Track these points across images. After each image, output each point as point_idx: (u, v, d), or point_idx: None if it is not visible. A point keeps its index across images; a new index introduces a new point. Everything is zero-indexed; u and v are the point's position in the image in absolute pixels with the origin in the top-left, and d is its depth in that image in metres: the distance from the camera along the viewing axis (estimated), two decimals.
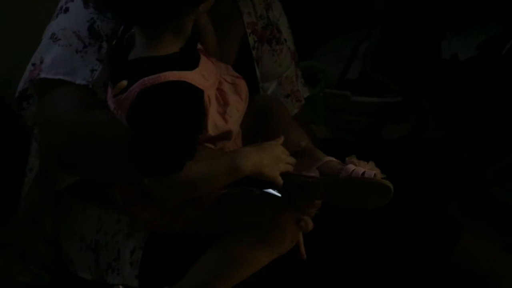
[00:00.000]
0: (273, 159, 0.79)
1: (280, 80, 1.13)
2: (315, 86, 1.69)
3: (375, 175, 0.79)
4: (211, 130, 0.82)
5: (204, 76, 0.82)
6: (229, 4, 1.06)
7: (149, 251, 0.94)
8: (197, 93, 0.80)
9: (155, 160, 0.77)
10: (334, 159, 0.84)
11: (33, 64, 0.95)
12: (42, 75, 0.92)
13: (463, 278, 1.12)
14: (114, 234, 0.98)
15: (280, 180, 0.80)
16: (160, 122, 0.77)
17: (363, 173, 0.79)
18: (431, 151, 1.60)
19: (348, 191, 0.81)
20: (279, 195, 0.86)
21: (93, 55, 0.92)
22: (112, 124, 0.84)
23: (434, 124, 1.69)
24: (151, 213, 0.88)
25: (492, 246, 1.15)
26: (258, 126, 0.93)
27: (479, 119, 1.59)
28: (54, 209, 1.07)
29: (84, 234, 1.02)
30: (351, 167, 0.80)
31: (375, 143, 1.67)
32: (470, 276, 1.11)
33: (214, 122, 0.82)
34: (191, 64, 0.82)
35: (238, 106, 0.86)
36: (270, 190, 0.87)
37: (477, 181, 1.50)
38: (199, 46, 0.86)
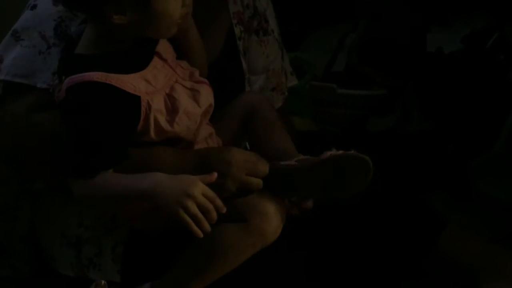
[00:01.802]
0: (180, 194, 0.75)
1: (268, 74, 1.12)
2: (301, 79, 1.69)
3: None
4: (155, 135, 0.81)
5: (148, 80, 0.81)
6: None
7: (131, 246, 0.93)
8: (125, 97, 0.78)
9: (70, 159, 0.78)
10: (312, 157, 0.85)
11: None
12: (1, 77, 0.90)
13: (447, 270, 1.13)
14: (95, 229, 0.97)
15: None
16: (76, 122, 0.77)
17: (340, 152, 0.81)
18: (416, 144, 1.60)
19: (327, 173, 0.82)
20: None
21: (56, 56, 0.89)
22: (55, 124, 0.82)
23: (419, 117, 1.70)
24: (129, 212, 0.87)
25: (475, 238, 1.16)
26: (243, 127, 0.93)
27: (463, 112, 1.59)
28: (29, 206, 1.06)
29: (65, 230, 1.01)
30: (328, 152, 0.82)
31: (361, 136, 1.67)
32: (453, 267, 1.12)
33: (159, 127, 0.81)
34: (134, 66, 0.80)
35: (191, 112, 0.83)
36: None
37: (461, 174, 1.50)
38: (158, 48, 0.84)
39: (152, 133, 0.81)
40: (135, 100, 0.79)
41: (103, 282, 0.85)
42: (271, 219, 0.82)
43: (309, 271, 0.97)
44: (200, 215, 0.75)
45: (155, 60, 0.83)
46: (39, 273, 1.08)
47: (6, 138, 0.88)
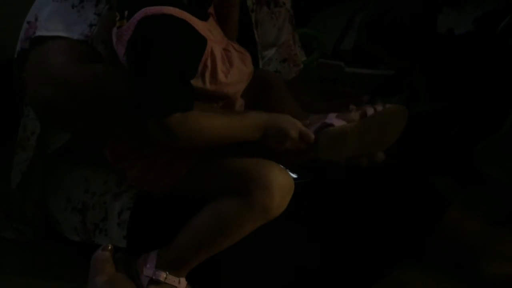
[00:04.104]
0: (281, 135, 0.81)
1: (278, 47, 1.11)
2: (309, 55, 1.68)
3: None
4: (209, 83, 0.81)
5: (211, 31, 0.82)
6: None
7: (137, 212, 0.94)
8: (197, 37, 0.79)
9: (151, 97, 0.76)
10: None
11: (28, 22, 0.92)
12: (38, 33, 0.89)
13: (449, 250, 1.13)
14: (101, 194, 0.97)
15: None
16: (150, 53, 0.76)
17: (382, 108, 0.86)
18: (422, 125, 1.59)
19: (371, 130, 0.85)
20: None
21: (91, 10, 0.89)
22: (107, 76, 0.83)
23: (426, 98, 1.69)
24: (140, 169, 0.87)
25: (478, 220, 1.16)
26: (256, 100, 0.92)
27: (471, 95, 1.58)
28: (42, 172, 1.06)
29: (71, 195, 1.01)
30: (365, 108, 0.86)
31: None
32: (455, 248, 1.12)
33: (215, 75, 0.81)
34: (199, 16, 0.81)
35: (242, 70, 0.85)
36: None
37: (466, 157, 1.50)
38: (210, 10, 0.85)
39: (207, 79, 0.81)
40: (203, 41, 0.80)
41: (109, 246, 0.86)
42: (274, 194, 0.80)
43: (310, 247, 0.97)
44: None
45: (211, 19, 0.84)
46: (43, 237, 1.09)
47: (46, 88, 0.87)
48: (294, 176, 0.87)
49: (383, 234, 1.08)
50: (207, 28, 0.82)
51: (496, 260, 1.08)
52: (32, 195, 1.07)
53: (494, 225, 1.16)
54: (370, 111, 0.86)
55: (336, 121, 0.85)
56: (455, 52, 1.62)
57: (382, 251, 1.07)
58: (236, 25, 0.90)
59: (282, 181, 0.81)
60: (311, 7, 1.88)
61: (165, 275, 0.83)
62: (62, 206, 1.02)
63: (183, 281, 0.85)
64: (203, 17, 0.83)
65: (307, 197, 0.96)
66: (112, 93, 0.83)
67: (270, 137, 0.81)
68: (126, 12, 0.79)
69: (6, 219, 1.11)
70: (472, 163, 1.47)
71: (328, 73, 1.71)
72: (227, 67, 0.83)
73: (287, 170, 0.84)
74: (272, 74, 1.01)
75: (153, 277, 0.83)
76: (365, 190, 1.06)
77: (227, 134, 0.80)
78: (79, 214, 0.99)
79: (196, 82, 0.81)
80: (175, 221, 0.85)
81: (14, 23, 0.98)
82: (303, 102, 0.97)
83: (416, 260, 1.11)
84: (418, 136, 1.54)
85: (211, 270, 0.86)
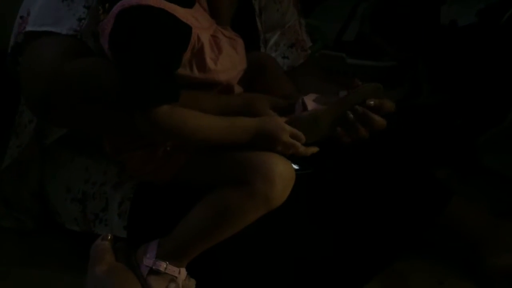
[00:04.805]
0: (271, 139, 0.80)
1: (283, 30, 1.10)
2: (311, 46, 1.67)
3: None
4: (198, 71, 0.80)
5: (196, 18, 0.81)
6: None
7: (137, 202, 0.93)
8: (178, 25, 0.78)
9: (133, 89, 0.75)
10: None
11: (21, 17, 0.92)
12: (28, 28, 0.90)
13: (451, 241, 1.13)
14: (102, 184, 0.97)
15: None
16: (131, 46, 0.75)
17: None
18: (425, 117, 1.59)
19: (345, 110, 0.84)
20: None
21: (80, 3, 0.89)
22: (95, 69, 0.82)
23: (429, 90, 1.68)
24: (139, 160, 0.86)
25: (481, 211, 1.16)
26: (251, 81, 0.91)
27: (474, 87, 1.57)
28: (39, 162, 1.05)
29: (71, 186, 1.00)
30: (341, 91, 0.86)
31: None
32: (458, 239, 1.12)
33: (203, 63, 0.80)
34: (182, 3, 0.80)
35: (232, 56, 0.84)
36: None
37: (469, 148, 1.49)
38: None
39: (195, 68, 0.80)
40: (186, 29, 0.79)
41: (109, 235, 0.85)
42: (276, 183, 0.80)
43: (311, 239, 0.97)
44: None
45: (197, 6, 0.83)
46: (44, 226, 1.09)
47: (37, 84, 0.87)
48: (296, 167, 0.86)
49: (384, 226, 1.08)
50: (192, 15, 0.80)
51: (498, 251, 1.08)
52: (28, 184, 1.07)
53: (496, 217, 1.16)
54: (342, 93, 0.86)
55: (310, 104, 0.85)
56: (458, 44, 1.61)
57: (383, 243, 1.06)
58: (226, 8, 0.89)
59: (283, 171, 0.81)
60: None
61: (165, 265, 0.82)
62: (62, 196, 1.01)
63: (183, 271, 0.84)
64: (188, 4, 0.81)
65: (308, 188, 0.96)
66: (101, 86, 0.82)
67: (260, 141, 0.80)
68: (106, 5, 0.79)
69: (5, 207, 1.11)
70: (474, 155, 1.47)
71: (329, 64, 1.70)
72: (216, 54, 0.82)
73: (289, 161, 0.84)
74: (266, 56, 1.00)
75: (153, 267, 0.82)
76: (367, 181, 1.05)
77: (215, 135, 0.79)
78: (79, 204, 0.98)
79: (183, 71, 0.80)
80: (176, 211, 0.84)
81: (14, 14, 0.99)
82: (312, 87, 0.96)
83: (417, 251, 1.11)
84: (420, 128, 1.53)
85: (211, 261, 0.85)
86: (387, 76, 1.69)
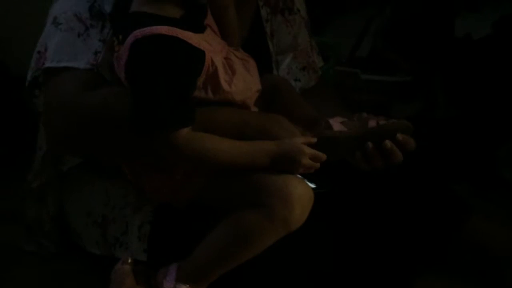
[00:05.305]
0: (291, 162, 0.81)
1: (296, 53, 1.11)
2: (324, 64, 1.67)
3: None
4: (212, 94, 0.81)
5: (208, 42, 0.82)
6: None
7: (157, 225, 0.94)
8: (192, 51, 0.79)
9: (151, 116, 0.77)
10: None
11: (39, 52, 0.95)
12: (47, 64, 0.92)
13: (472, 257, 1.12)
14: (121, 208, 0.98)
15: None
16: (146, 75, 0.77)
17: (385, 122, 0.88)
18: (441, 131, 1.58)
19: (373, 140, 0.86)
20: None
21: (96, 37, 0.91)
22: (112, 100, 0.84)
23: (445, 103, 1.67)
24: (158, 183, 0.87)
25: (501, 226, 1.14)
26: (267, 104, 0.92)
27: (490, 100, 1.56)
28: (58, 187, 1.07)
29: (91, 209, 1.01)
30: (369, 118, 0.88)
31: None
32: (479, 255, 1.11)
33: (218, 85, 0.81)
34: (194, 29, 0.81)
35: (246, 78, 0.85)
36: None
37: (487, 162, 1.48)
38: (207, 22, 0.85)
39: (210, 90, 0.81)
40: (200, 54, 0.80)
41: (129, 259, 0.85)
42: (295, 206, 0.80)
43: (330, 255, 0.96)
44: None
45: (208, 30, 0.84)
46: (65, 250, 1.09)
47: (58, 116, 0.90)
48: (312, 186, 0.87)
49: (404, 242, 1.07)
50: (204, 40, 0.81)
51: None
52: (48, 208, 1.08)
53: None
54: (372, 123, 0.87)
55: (336, 125, 0.87)
56: (474, 57, 1.60)
57: (402, 259, 1.06)
58: (235, 28, 0.90)
59: (301, 193, 0.81)
60: (327, 14, 1.88)
61: None
62: (82, 220, 1.02)
63: None
64: (199, 29, 0.82)
65: (326, 205, 0.96)
66: (120, 115, 0.83)
67: (281, 165, 0.81)
68: (120, 36, 0.80)
69: (26, 232, 1.12)
70: (493, 168, 1.46)
71: (344, 81, 1.71)
72: (230, 75, 0.82)
73: (305, 180, 0.84)
74: (280, 78, 1.01)
75: None
76: (386, 198, 1.05)
77: (235, 160, 0.80)
78: (99, 228, 0.99)
79: (199, 93, 0.81)
80: (195, 233, 0.84)
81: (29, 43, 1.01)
82: (324, 109, 0.97)
83: (438, 268, 1.10)
84: (437, 142, 1.52)
85: (231, 284, 0.85)
86: (402, 91, 1.69)
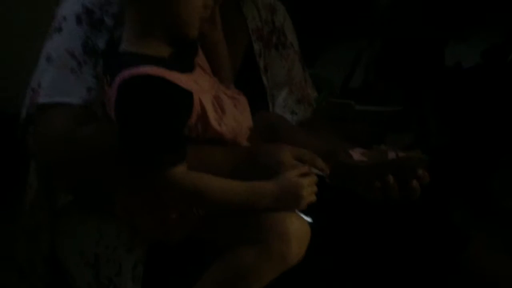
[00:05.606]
0: (293, 198, 0.80)
1: (291, 87, 1.12)
2: (317, 96, 1.68)
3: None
4: (202, 133, 0.82)
5: (196, 82, 0.82)
6: (233, 9, 1.05)
7: (151, 265, 0.92)
8: (179, 91, 0.79)
9: (136, 156, 0.77)
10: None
11: (32, 89, 0.95)
12: (41, 101, 0.93)
13: (473, 285, 1.10)
14: (114, 248, 0.96)
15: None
16: (133, 116, 0.77)
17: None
18: (435, 160, 1.58)
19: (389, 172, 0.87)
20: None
21: (89, 73, 0.92)
22: (103, 134, 0.84)
23: (438, 131, 1.68)
24: (152, 220, 0.86)
25: (499, 254, 1.13)
26: (265, 142, 0.92)
27: (482, 127, 1.57)
28: (50, 227, 1.06)
29: (84, 249, 1.00)
30: (388, 150, 0.89)
31: None
32: (477, 283, 1.10)
33: (208, 125, 0.82)
34: (182, 68, 0.81)
35: (236, 117, 0.85)
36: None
37: (482, 190, 1.48)
38: (197, 60, 0.86)
39: (200, 131, 0.81)
40: (188, 95, 0.80)
41: None
42: (292, 241, 0.79)
43: (332, 281, 0.95)
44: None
45: (198, 69, 0.85)
46: None
47: (50, 149, 0.90)
48: (309, 219, 0.86)
49: (402, 273, 1.06)
50: (193, 79, 0.82)
51: None
52: (40, 249, 1.07)
53: None
54: (392, 155, 0.88)
55: (356, 155, 0.87)
56: (464, 85, 1.62)
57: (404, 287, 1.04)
58: (227, 64, 0.90)
59: (298, 228, 0.80)
60: (318, 46, 1.90)
61: None
62: (75, 260, 1.01)
63: None
64: (188, 68, 0.83)
65: (324, 238, 0.95)
66: (111, 152, 0.83)
67: (285, 202, 0.80)
68: (108, 77, 0.81)
69: (19, 275, 1.10)
70: (489, 195, 1.46)
71: (338, 112, 1.71)
72: (220, 114, 0.83)
73: (302, 215, 0.83)
74: (276, 116, 1.01)
75: None
76: (383, 229, 1.04)
77: (229, 198, 0.79)
78: (92, 268, 0.97)
79: (190, 132, 0.81)
80: (190, 272, 0.83)
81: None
82: (327, 141, 0.97)
83: None
84: (432, 171, 1.52)
85: None
86: (395, 121, 1.70)
